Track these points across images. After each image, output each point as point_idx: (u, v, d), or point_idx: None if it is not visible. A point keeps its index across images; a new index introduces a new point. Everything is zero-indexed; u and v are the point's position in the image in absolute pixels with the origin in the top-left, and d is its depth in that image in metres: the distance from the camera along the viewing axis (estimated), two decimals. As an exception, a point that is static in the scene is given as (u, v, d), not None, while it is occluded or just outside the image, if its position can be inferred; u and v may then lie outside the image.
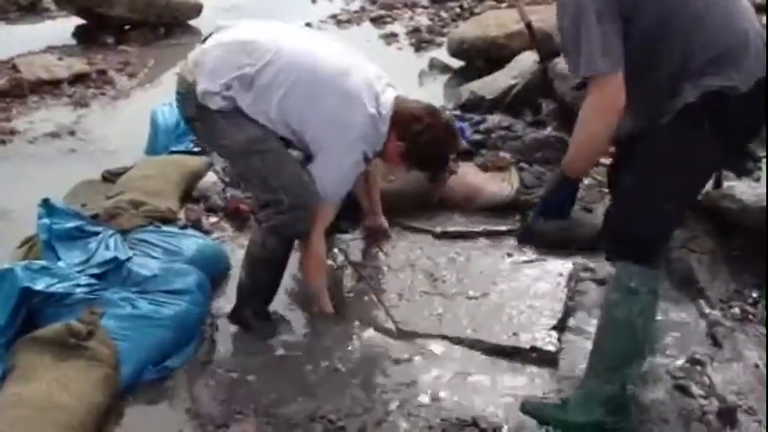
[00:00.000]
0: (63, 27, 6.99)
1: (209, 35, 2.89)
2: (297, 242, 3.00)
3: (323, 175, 2.77)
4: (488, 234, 3.52)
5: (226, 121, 2.75)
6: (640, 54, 2.19)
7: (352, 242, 3.47)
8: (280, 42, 2.78)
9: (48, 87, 5.56)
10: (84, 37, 6.77)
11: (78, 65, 5.92)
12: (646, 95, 2.25)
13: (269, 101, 2.72)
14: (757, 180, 3.64)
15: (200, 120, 2.80)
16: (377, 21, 7.53)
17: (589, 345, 2.84)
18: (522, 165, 3.93)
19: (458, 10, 7.57)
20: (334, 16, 7.70)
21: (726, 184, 3.42)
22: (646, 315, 2.31)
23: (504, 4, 7.29)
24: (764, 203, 3.18)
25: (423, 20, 7.36)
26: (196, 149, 4.19)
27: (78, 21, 6.99)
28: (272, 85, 2.71)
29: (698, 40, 2.17)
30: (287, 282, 3.21)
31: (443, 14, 7.51)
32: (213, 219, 3.76)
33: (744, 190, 3.33)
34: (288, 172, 2.77)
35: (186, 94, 2.80)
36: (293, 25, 2.97)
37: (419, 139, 2.82)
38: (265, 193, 2.81)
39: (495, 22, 5.79)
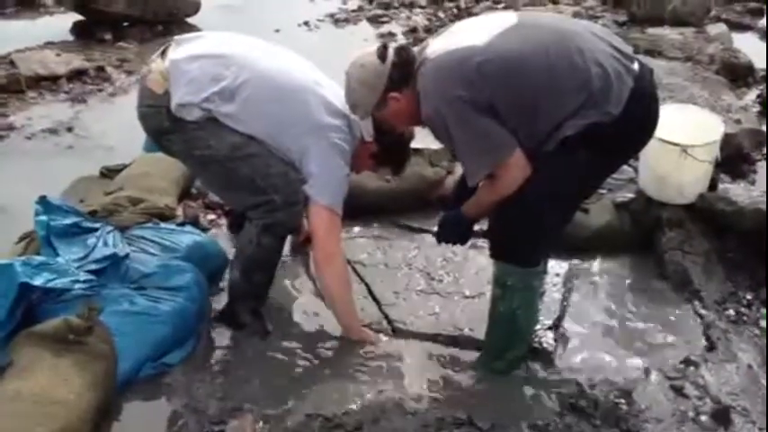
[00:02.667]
0: (61, 23, 6.97)
1: (167, 47, 2.84)
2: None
3: (321, 179, 2.75)
4: (485, 234, 3.52)
5: (204, 131, 2.72)
6: (514, 127, 2.34)
7: (349, 241, 3.48)
8: (253, 57, 2.80)
9: (45, 83, 5.54)
10: (82, 33, 6.75)
11: (76, 61, 5.91)
12: (525, 140, 2.36)
13: (252, 113, 2.72)
14: (752, 183, 3.66)
15: (175, 132, 2.75)
16: (374, 20, 7.54)
17: (584, 344, 2.89)
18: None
19: (455, 10, 7.59)
20: (331, 15, 7.70)
21: (721, 186, 3.45)
22: (525, 307, 2.62)
23: (501, 5, 7.32)
24: (758, 206, 3.21)
25: (420, 20, 7.36)
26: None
27: (76, 17, 6.97)
28: (254, 100, 2.71)
29: (558, 101, 2.30)
30: (284, 280, 3.23)
31: (440, 14, 7.52)
32: (211, 216, 3.77)
33: (739, 192, 3.36)
34: (275, 172, 2.76)
35: (156, 107, 2.74)
36: (254, 38, 2.95)
37: (389, 138, 2.83)
38: (254, 196, 2.79)
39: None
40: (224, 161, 2.74)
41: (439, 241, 2.78)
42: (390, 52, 2.45)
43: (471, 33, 2.39)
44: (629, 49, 2.45)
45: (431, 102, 2.37)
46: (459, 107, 2.30)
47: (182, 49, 2.79)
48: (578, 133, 2.30)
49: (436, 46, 2.43)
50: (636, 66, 2.39)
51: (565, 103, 2.29)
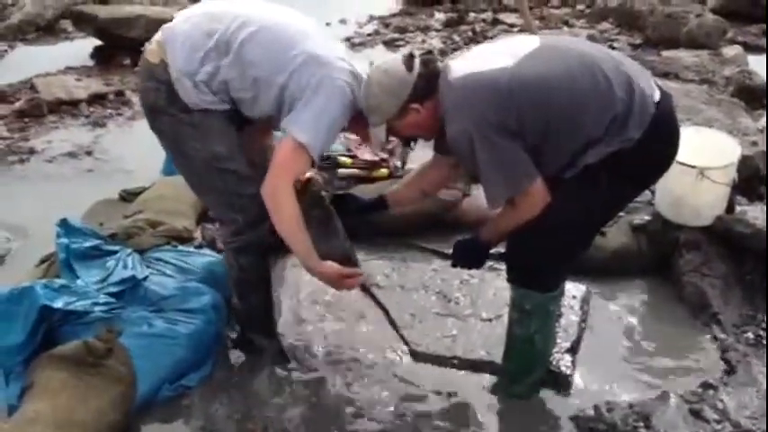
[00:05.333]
0: (81, 48, 7.07)
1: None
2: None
3: (305, 115, 2.51)
4: (501, 255, 3.51)
5: (194, 130, 2.58)
6: (539, 151, 2.34)
7: (365, 262, 3.48)
8: (249, 8, 2.65)
9: (66, 107, 5.63)
10: (102, 58, 6.85)
11: (96, 85, 6.00)
12: (549, 165, 2.37)
13: (250, 59, 2.52)
14: (770, 205, 3.64)
15: (168, 114, 2.59)
16: (390, 44, 7.60)
17: (602, 367, 2.87)
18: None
19: (470, 33, 7.64)
20: (347, 39, 7.76)
21: (738, 208, 3.43)
22: (542, 332, 2.64)
23: (516, 29, 7.36)
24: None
25: (435, 43, 7.42)
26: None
27: (96, 42, 7.06)
28: (251, 42, 2.52)
29: (584, 125, 2.30)
30: (294, 300, 3.24)
31: (456, 38, 7.56)
32: (228, 238, 3.78)
33: (756, 215, 3.34)
34: (246, 193, 2.65)
35: (156, 82, 2.58)
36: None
37: None
38: (221, 207, 2.74)
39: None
40: (202, 167, 2.64)
41: (454, 265, 2.78)
42: (417, 62, 2.41)
43: (497, 56, 2.37)
44: (650, 77, 2.46)
45: (459, 123, 2.34)
46: (488, 131, 2.28)
47: (177, 17, 2.69)
48: (600, 161, 2.31)
49: (459, 67, 2.41)
50: (657, 94, 2.40)
51: (590, 127, 2.29)
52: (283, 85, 2.53)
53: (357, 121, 2.60)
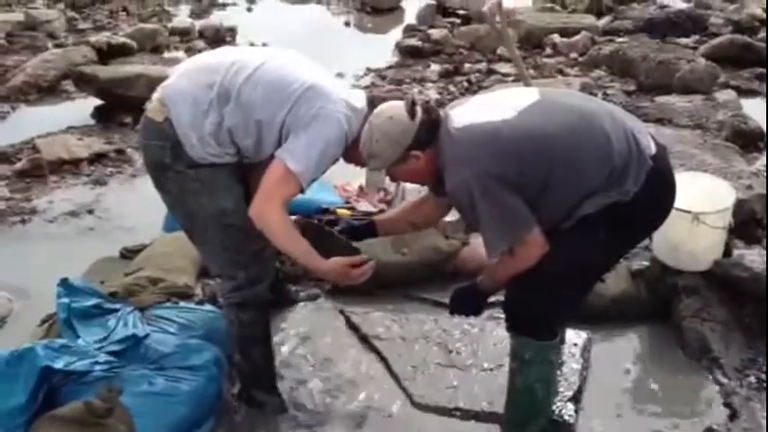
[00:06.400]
0: (82, 108, 7.12)
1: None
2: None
3: (298, 144, 2.54)
4: (501, 303, 3.53)
5: (200, 185, 2.62)
6: (536, 203, 2.38)
7: (365, 314, 3.49)
8: (242, 54, 2.73)
9: (67, 167, 5.65)
10: (103, 117, 6.89)
11: (97, 144, 6.03)
12: (547, 216, 2.40)
13: (251, 102, 2.56)
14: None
15: (174, 171, 2.62)
16: (387, 96, 7.65)
17: (604, 415, 2.86)
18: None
19: (466, 84, 7.72)
20: (345, 92, 7.83)
21: (736, 252, 3.45)
22: (543, 381, 2.62)
23: (510, 78, 7.45)
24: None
25: (432, 94, 7.49)
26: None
27: (97, 101, 7.14)
28: (248, 85, 2.57)
29: (582, 178, 2.35)
30: (293, 350, 3.23)
31: (452, 88, 7.64)
32: (229, 294, 3.79)
33: (754, 258, 3.36)
34: (249, 250, 2.69)
35: (161, 141, 2.62)
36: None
37: None
38: (224, 265, 2.76)
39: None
40: (207, 222, 2.67)
41: (452, 313, 2.79)
42: (419, 110, 2.43)
43: (497, 108, 2.41)
44: (646, 130, 2.51)
45: (459, 174, 2.36)
46: (488, 182, 2.31)
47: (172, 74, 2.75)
48: (597, 211, 2.34)
49: (460, 117, 2.44)
50: (653, 146, 2.44)
51: (588, 180, 2.33)
52: (283, 121, 2.57)
53: (354, 150, 2.62)
